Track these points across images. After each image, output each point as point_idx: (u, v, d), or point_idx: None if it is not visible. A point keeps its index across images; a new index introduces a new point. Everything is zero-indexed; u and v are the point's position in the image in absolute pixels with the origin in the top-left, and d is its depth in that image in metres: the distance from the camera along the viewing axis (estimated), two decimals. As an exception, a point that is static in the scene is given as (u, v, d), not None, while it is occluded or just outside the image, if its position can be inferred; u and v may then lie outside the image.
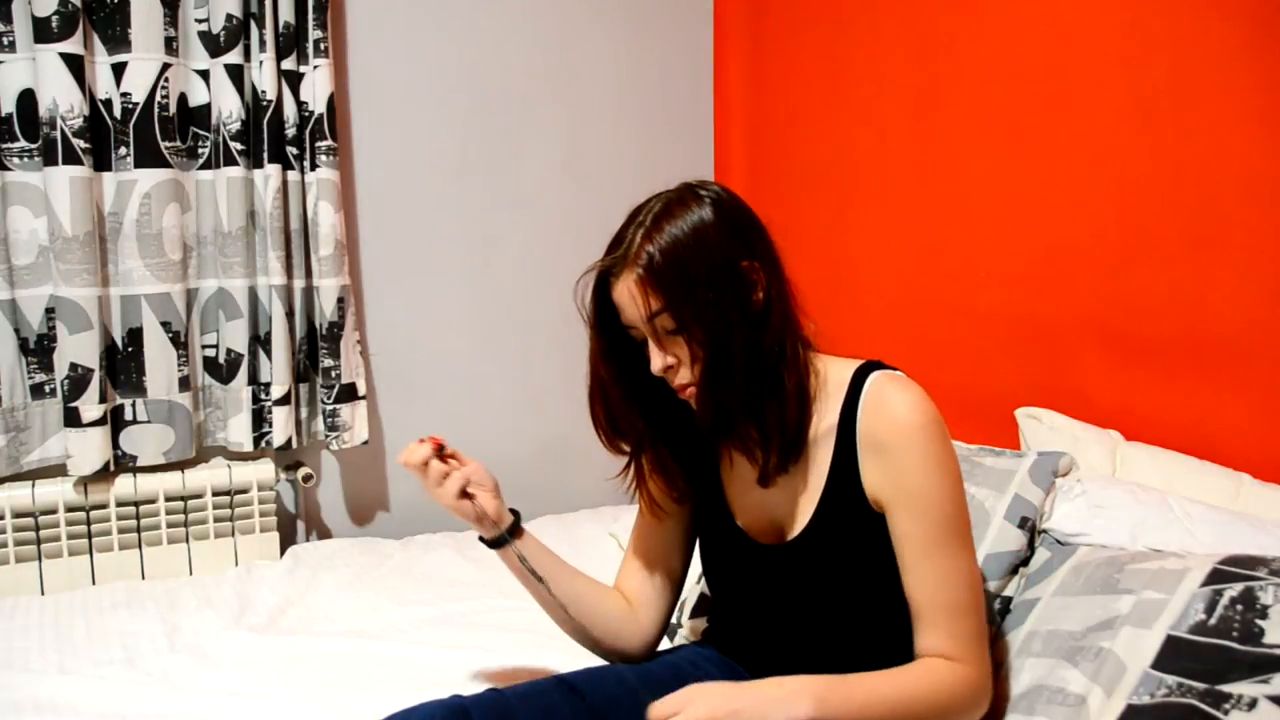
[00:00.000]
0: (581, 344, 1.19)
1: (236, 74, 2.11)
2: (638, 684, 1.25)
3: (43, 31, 1.90)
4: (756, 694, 1.01)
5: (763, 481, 1.14)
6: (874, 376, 1.13)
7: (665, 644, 1.65)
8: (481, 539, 1.29)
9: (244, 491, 2.18)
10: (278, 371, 2.18)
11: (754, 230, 1.13)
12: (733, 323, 1.08)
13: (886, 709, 1.04)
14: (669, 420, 1.20)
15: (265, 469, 2.21)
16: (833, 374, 1.16)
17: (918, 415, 1.09)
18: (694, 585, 1.69)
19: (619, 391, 1.17)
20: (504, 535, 1.27)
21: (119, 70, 2.02)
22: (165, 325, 2.10)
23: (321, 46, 2.18)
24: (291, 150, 2.19)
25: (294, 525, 2.40)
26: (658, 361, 1.10)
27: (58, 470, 2.05)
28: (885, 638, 1.15)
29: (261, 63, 2.12)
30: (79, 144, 1.95)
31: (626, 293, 1.09)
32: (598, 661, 1.38)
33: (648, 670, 1.29)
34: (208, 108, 2.13)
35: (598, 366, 1.17)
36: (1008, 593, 1.39)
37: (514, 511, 1.31)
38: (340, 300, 2.25)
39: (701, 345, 1.08)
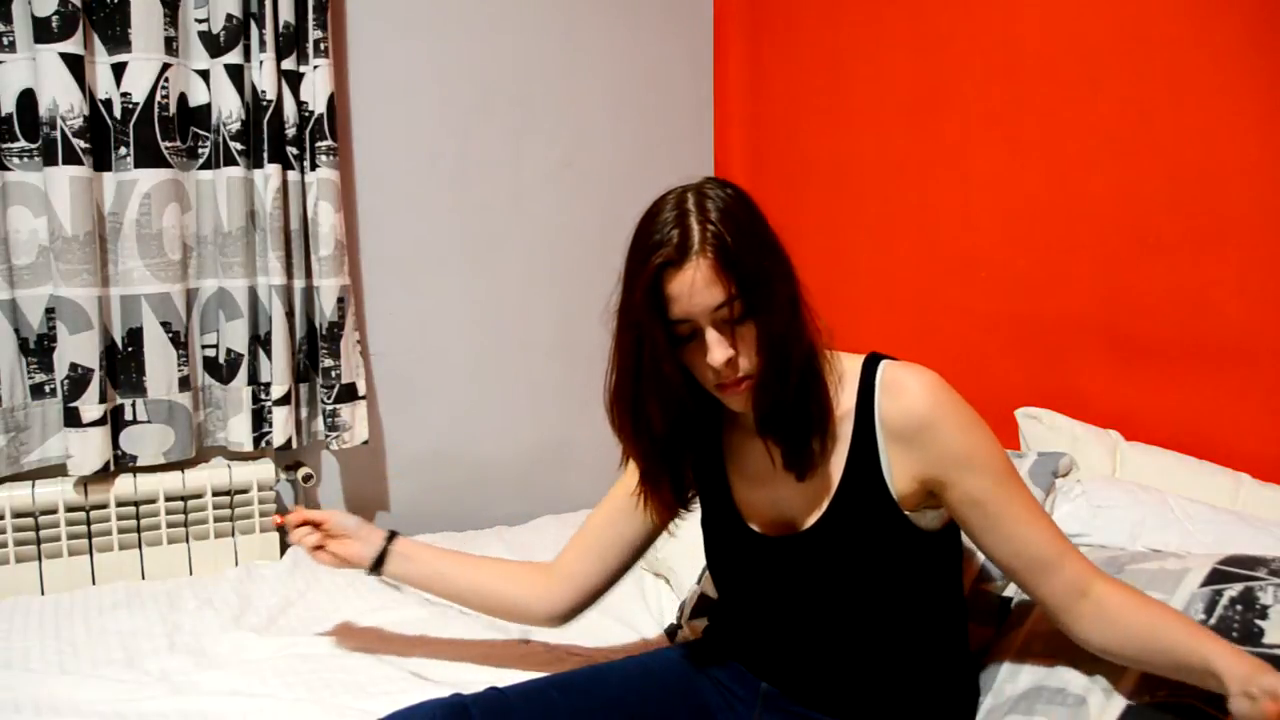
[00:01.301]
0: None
1: (236, 74, 2.10)
2: (639, 683, 1.26)
3: (43, 31, 1.90)
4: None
5: (801, 475, 1.13)
6: (884, 364, 1.14)
7: (665, 643, 1.65)
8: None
9: (244, 491, 2.18)
10: (278, 371, 2.18)
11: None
12: (788, 310, 1.08)
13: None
14: (698, 425, 1.18)
15: (265, 469, 2.21)
16: (843, 365, 1.16)
17: (937, 391, 1.10)
18: (693, 586, 1.69)
19: (683, 385, 1.10)
20: (370, 569, 1.49)
21: (119, 70, 2.02)
22: (165, 325, 2.10)
23: (321, 46, 2.18)
24: (291, 150, 2.19)
25: (294, 525, 2.40)
26: (720, 352, 1.04)
27: (58, 470, 2.05)
28: (896, 630, 1.14)
29: (261, 63, 2.12)
30: (79, 144, 1.95)
31: (700, 279, 1.03)
32: (597, 660, 1.38)
33: (649, 669, 1.29)
34: (208, 108, 2.13)
35: (658, 361, 1.07)
36: (1008, 593, 1.39)
37: (391, 533, 1.50)
38: (340, 300, 2.25)
39: (769, 334, 1.06)
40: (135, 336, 2.08)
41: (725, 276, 1.03)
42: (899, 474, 1.11)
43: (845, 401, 1.14)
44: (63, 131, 1.93)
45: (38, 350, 2.02)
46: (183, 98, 2.11)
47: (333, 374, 2.26)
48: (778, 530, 1.19)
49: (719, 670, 1.27)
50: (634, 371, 1.10)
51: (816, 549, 1.15)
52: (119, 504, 2.08)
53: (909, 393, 1.11)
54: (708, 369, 1.07)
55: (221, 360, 2.20)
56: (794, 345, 1.07)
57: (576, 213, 2.59)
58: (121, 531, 2.08)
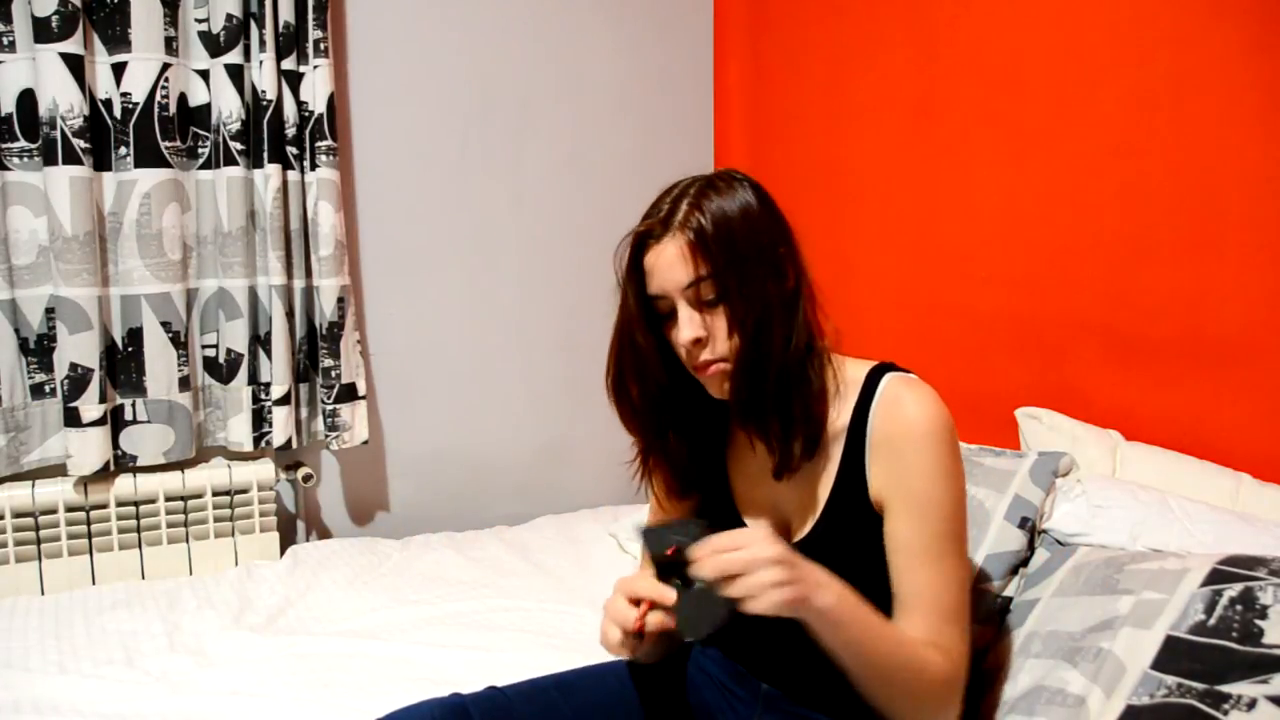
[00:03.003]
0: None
1: (236, 74, 2.11)
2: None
3: (43, 31, 1.90)
4: (803, 566, 0.99)
5: (779, 475, 1.12)
6: (889, 378, 1.12)
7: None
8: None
9: (244, 491, 2.18)
10: (278, 371, 2.18)
11: (785, 221, 1.14)
12: (773, 303, 1.07)
13: (876, 650, 1.02)
14: (685, 410, 1.18)
15: (265, 469, 2.21)
16: (848, 373, 1.15)
17: (931, 420, 1.07)
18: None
19: (653, 351, 1.12)
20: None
21: (119, 70, 2.02)
22: (165, 325, 2.10)
23: (321, 46, 2.18)
24: (291, 150, 2.19)
25: (294, 525, 2.40)
26: (689, 331, 1.07)
27: (58, 470, 2.05)
28: None
29: (261, 63, 2.12)
30: (79, 144, 1.95)
31: (676, 255, 1.06)
32: (597, 659, 1.38)
33: (649, 668, 1.29)
34: (208, 108, 2.13)
35: (631, 328, 1.12)
36: (1008, 593, 1.39)
37: None
38: (340, 300, 2.25)
39: (741, 320, 1.06)
40: (135, 336, 2.08)
41: (696, 256, 1.06)
42: (872, 485, 1.11)
43: (844, 410, 1.13)
44: (63, 131, 1.93)
45: (38, 350, 2.02)
46: (183, 97, 2.11)
47: (333, 374, 2.26)
48: (776, 532, 1.18)
49: (719, 670, 1.27)
50: (618, 342, 1.14)
51: (812, 557, 1.14)
52: (119, 504, 2.08)
53: (900, 416, 1.09)
54: (682, 348, 1.09)
55: (221, 360, 2.20)
56: (773, 338, 1.07)
57: (576, 213, 2.59)
58: (121, 531, 2.08)
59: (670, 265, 1.07)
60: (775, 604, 0.94)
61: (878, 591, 1.12)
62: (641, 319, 1.11)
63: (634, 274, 1.10)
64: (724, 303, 1.07)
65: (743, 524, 1.21)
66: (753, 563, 0.94)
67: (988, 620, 1.35)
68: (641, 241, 1.09)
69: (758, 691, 1.21)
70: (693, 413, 1.18)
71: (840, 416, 1.13)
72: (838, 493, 1.13)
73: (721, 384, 1.11)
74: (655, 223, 1.08)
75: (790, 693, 1.19)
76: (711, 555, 0.96)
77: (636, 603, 1.05)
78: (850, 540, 1.12)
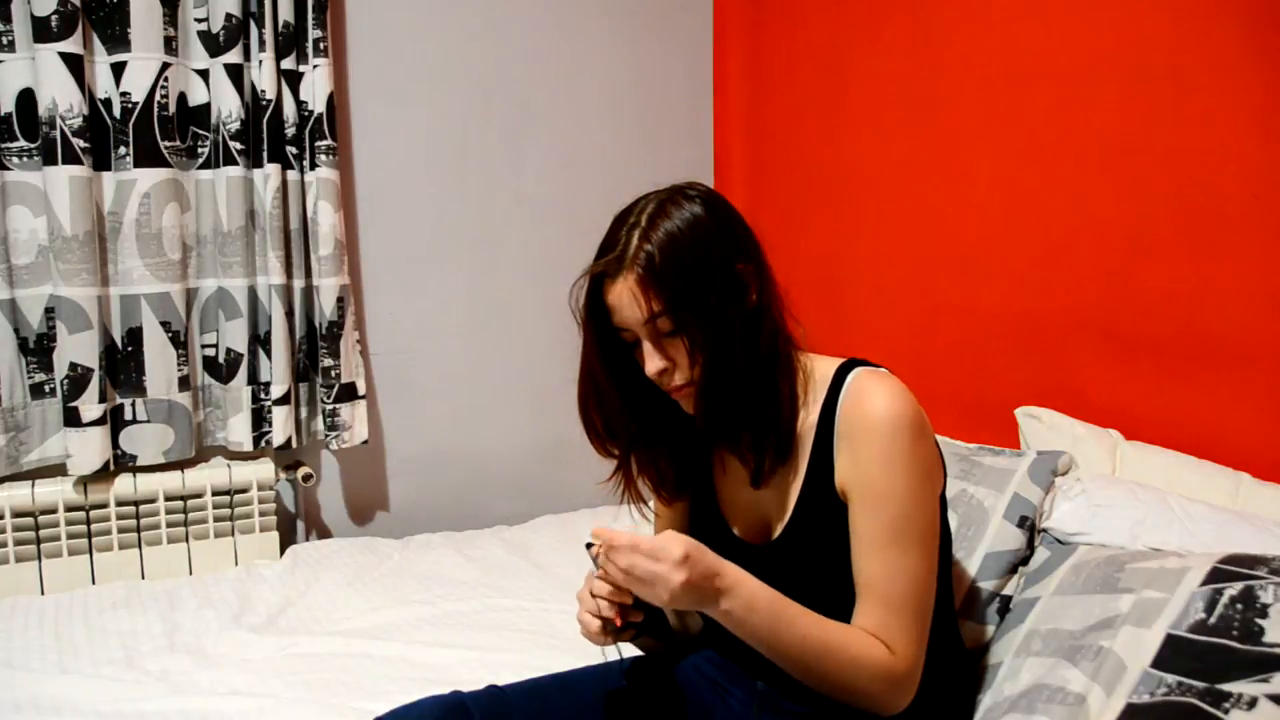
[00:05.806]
0: (580, 344, 1.18)
1: (236, 73, 2.11)
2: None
3: (42, 31, 1.90)
4: (707, 582, 1.03)
5: (756, 484, 1.14)
6: (856, 372, 1.13)
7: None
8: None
9: (244, 491, 2.18)
10: (277, 371, 2.18)
11: (744, 232, 1.14)
12: (732, 324, 1.08)
13: (790, 644, 1.05)
14: (661, 423, 1.19)
15: (265, 469, 2.21)
16: (818, 371, 1.16)
17: (892, 411, 1.08)
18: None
19: (614, 394, 1.16)
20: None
21: (118, 70, 2.02)
22: (165, 325, 2.10)
23: (321, 46, 2.18)
24: (291, 150, 2.19)
25: (294, 525, 2.40)
26: (653, 364, 1.09)
27: (58, 470, 2.05)
28: None
29: (261, 62, 2.12)
30: (78, 143, 1.95)
31: (627, 293, 1.08)
32: (596, 659, 1.38)
33: (647, 668, 1.29)
34: (207, 107, 2.13)
35: (592, 368, 1.15)
36: (1007, 592, 1.39)
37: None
38: (340, 300, 2.25)
39: (700, 348, 1.08)
40: (135, 336, 2.08)
41: (648, 294, 1.06)
42: (837, 476, 1.12)
43: (814, 408, 1.15)
44: (62, 131, 1.93)
45: (38, 350, 2.02)
46: (182, 97, 2.11)
47: (332, 374, 2.26)
48: (759, 534, 1.20)
49: (716, 670, 1.27)
50: (582, 378, 1.17)
51: (787, 554, 1.15)
52: (119, 504, 2.08)
53: (862, 407, 1.10)
54: (651, 377, 1.11)
55: (221, 360, 2.20)
56: (734, 360, 1.08)
57: (576, 213, 2.59)
58: (121, 531, 2.08)
59: (626, 304, 1.08)
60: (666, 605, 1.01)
61: (850, 584, 1.13)
62: (600, 358, 1.14)
63: (596, 311, 1.12)
64: (681, 333, 1.08)
65: (728, 532, 1.23)
66: (655, 580, 0.99)
67: (988, 618, 1.35)
68: (599, 280, 1.10)
69: (753, 690, 1.22)
70: (674, 425, 1.19)
71: (810, 415, 1.15)
72: (807, 490, 1.14)
73: (691, 405, 1.12)
74: (609, 260, 1.09)
75: (786, 691, 1.19)
76: (628, 558, 1.00)
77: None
78: (822, 533, 1.13)
